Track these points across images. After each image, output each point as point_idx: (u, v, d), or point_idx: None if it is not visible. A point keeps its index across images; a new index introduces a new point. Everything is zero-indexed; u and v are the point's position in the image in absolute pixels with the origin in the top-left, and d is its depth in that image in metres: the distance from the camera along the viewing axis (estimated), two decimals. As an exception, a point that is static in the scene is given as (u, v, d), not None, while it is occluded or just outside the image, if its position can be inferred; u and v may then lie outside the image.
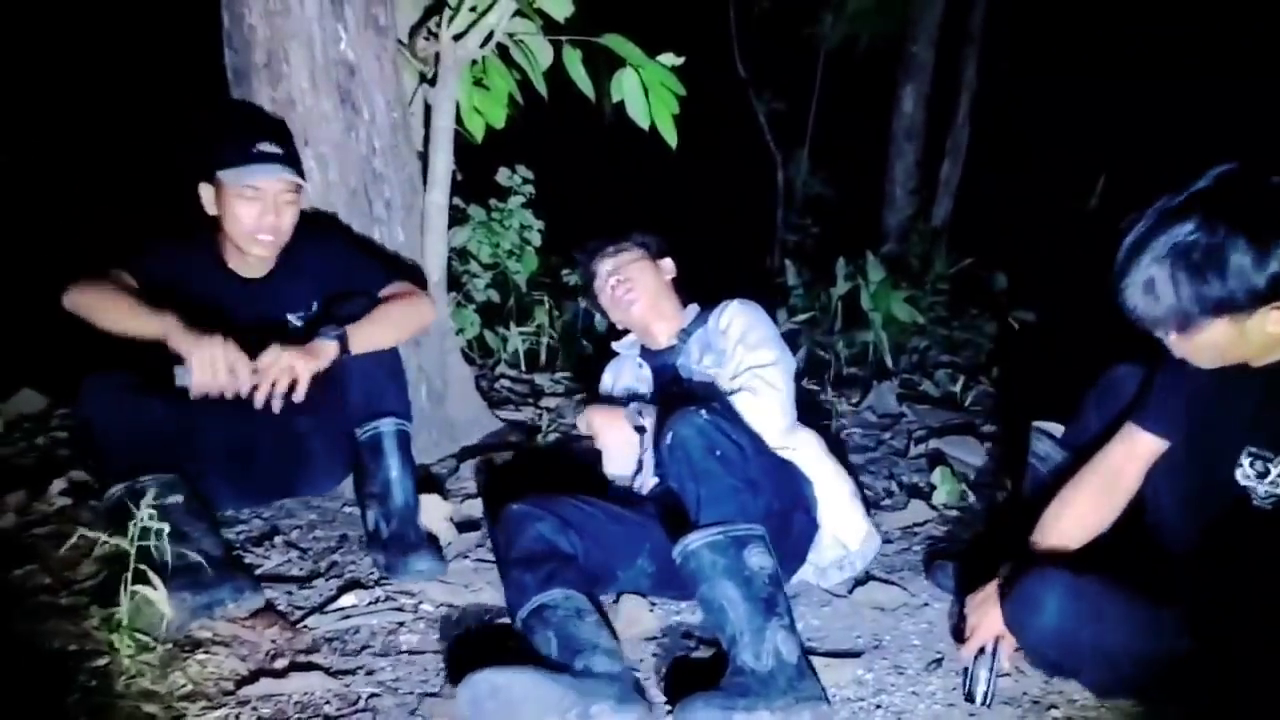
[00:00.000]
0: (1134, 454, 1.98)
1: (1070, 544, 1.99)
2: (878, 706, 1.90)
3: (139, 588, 1.93)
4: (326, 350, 2.29)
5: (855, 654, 2.06)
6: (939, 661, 2.05)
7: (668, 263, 2.70)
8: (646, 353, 2.68)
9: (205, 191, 2.40)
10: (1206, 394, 1.87)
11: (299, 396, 2.24)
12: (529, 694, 1.70)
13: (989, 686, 1.90)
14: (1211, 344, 1.69)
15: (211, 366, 2.16)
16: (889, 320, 4.59)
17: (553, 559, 2.04)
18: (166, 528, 2.03)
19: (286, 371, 2.21)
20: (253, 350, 2.29)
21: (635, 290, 2.58)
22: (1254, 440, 1.80)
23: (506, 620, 2.10)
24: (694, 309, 2.66)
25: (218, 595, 2.09)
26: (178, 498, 2.19)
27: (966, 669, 1.95)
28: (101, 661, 1.92)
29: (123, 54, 6.02)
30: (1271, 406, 1.77)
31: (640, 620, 2.18)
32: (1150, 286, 1.65)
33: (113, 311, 2.25)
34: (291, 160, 2.41)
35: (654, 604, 2.25)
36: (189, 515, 2.19)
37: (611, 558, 2.20)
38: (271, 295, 2.50)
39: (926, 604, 2.29)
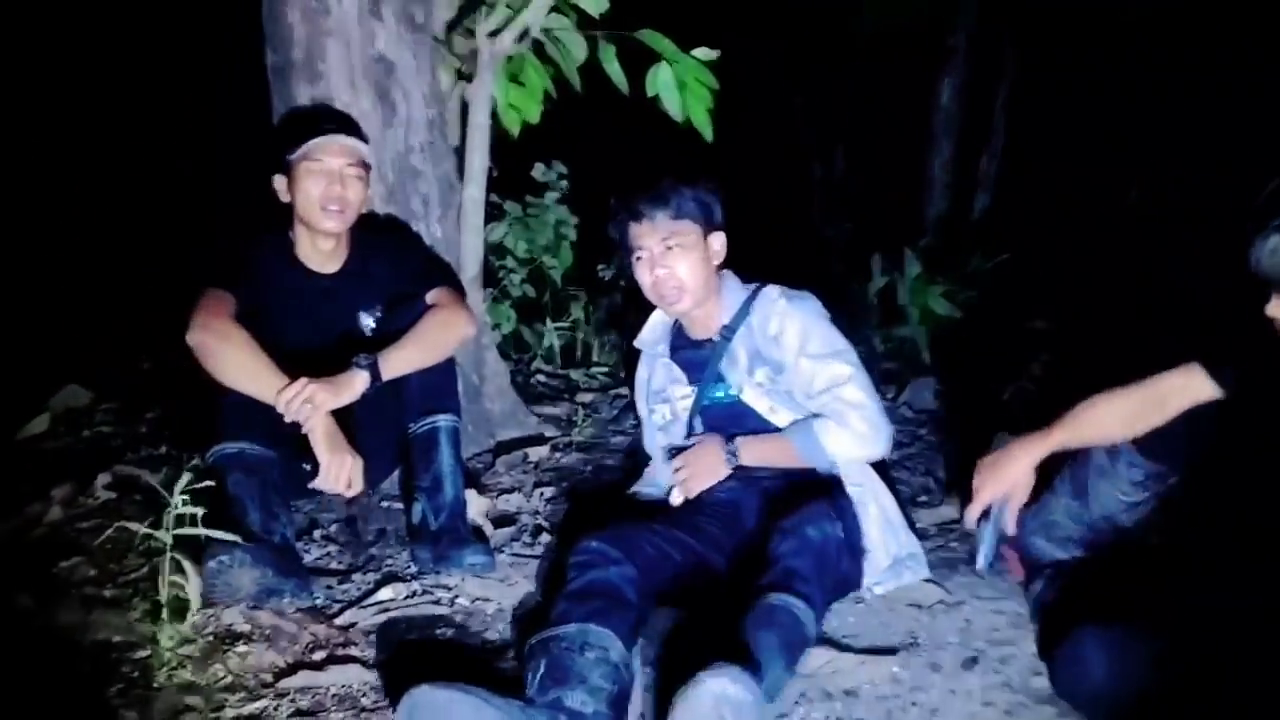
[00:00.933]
0: (1186, 389, 1.96)
1: (1091, 436, 2.04)
2: (913, 704, 1.88)
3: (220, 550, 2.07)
4: (355, 383, 2.30)
5: (891, 651, 2.05)
6: (975, 659, 2.03)
7: (719, 242, 2.39)
8: (680, 339, 2.53)
9: (279, 182, 2.46)
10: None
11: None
12: (467, 717, 1.61)
13: (990, 550, 1.96)
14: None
15: (336, 479, 2.27)
16: (926, 315, 4.56)
17: (606, 598, 1.91)
18: (257, 498, 2.21)
19: (305, 405, 2.23)
20: (325, 349, 2.42)
21: (683, 285, 2.34)
22: None
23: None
24: (735, 290, 2.43)
25: (282, 586, 2.16)
26: (276, 477, 2.29)
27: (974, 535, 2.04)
28: (144, 653, 1.96)
29: (168, 52, 6.11)
30: None
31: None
32: (1275, 251, 1.68)
33: (238, 371, 2.25)
34: (354, 134, 2.47)
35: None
36: (279, 499, 2.28)
37: (673, 593, 2.17)
38: (343, 293, 2.55)
39: (963, 601, 2.27)
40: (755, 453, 2.32)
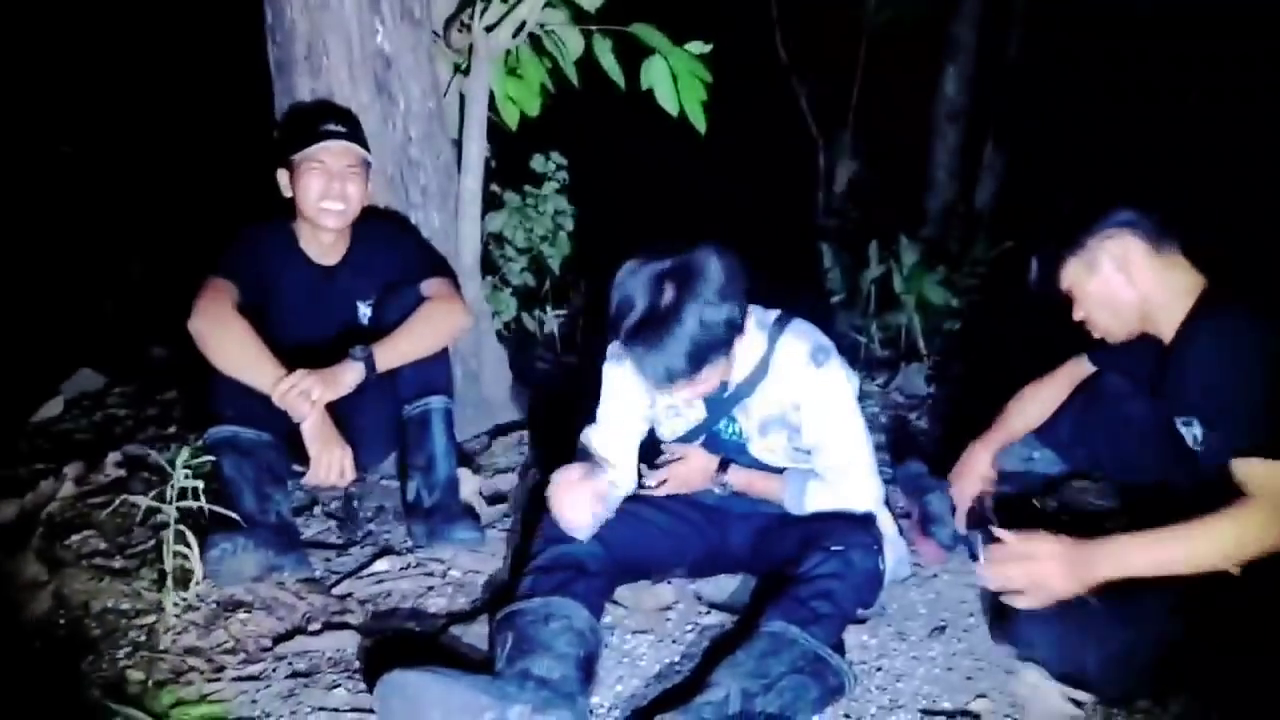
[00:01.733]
0: (1079, 370, 2.48)
1: (1024, 426, 2.52)
2: (878, 669, 1.98)
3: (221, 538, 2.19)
4: (350, 374, 2.38)
5: (860, 620, 2.14)
6: (942, 629, 2.12)
7: (744, 341, 2.06)
8: None
9: (282, 176, 2.55)
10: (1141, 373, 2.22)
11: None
12: (439, 697, 1.67)
13: (980, 544, 2.15)
14: (1093, 297, 2.08)
15: (328, 471, 2.34)
16: (922, 303, 4.62)
17: (569, 569, 1.98)
18: (251, 480, 2.29)
19: (303, 396, 2.31)
20: (324, 339, 2.51)
21: (707, 392, 2.09)
22: (1176, 412, 2.06)
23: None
24: (753, 335, 2.11)
25: (281, 561, 2.27)
26: (269, 458, 2.36)
27: (966, 537, 2.31)
28: (150, 619, 2.08)
29: (174, 47, 6.22)
30: (1171, 381, 2.03)
31: (657, 594, 2.27)
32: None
33: (236, 359, 2.32)
34: (355, 137, 2.56)
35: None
36: (273, 478, 2.36)
37: (647, 572, 2.25)
38: (343, 284, 2.64)
39: (935, 575, 2.36)
40: (744, 483, 2.26)
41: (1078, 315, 2.14)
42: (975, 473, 2.46)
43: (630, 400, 2.27)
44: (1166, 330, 2.03)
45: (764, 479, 2.26)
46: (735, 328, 1.96)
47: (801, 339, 2.15)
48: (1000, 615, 2.03)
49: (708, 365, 1.93)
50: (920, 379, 3.92)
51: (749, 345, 2.11)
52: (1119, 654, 1.80)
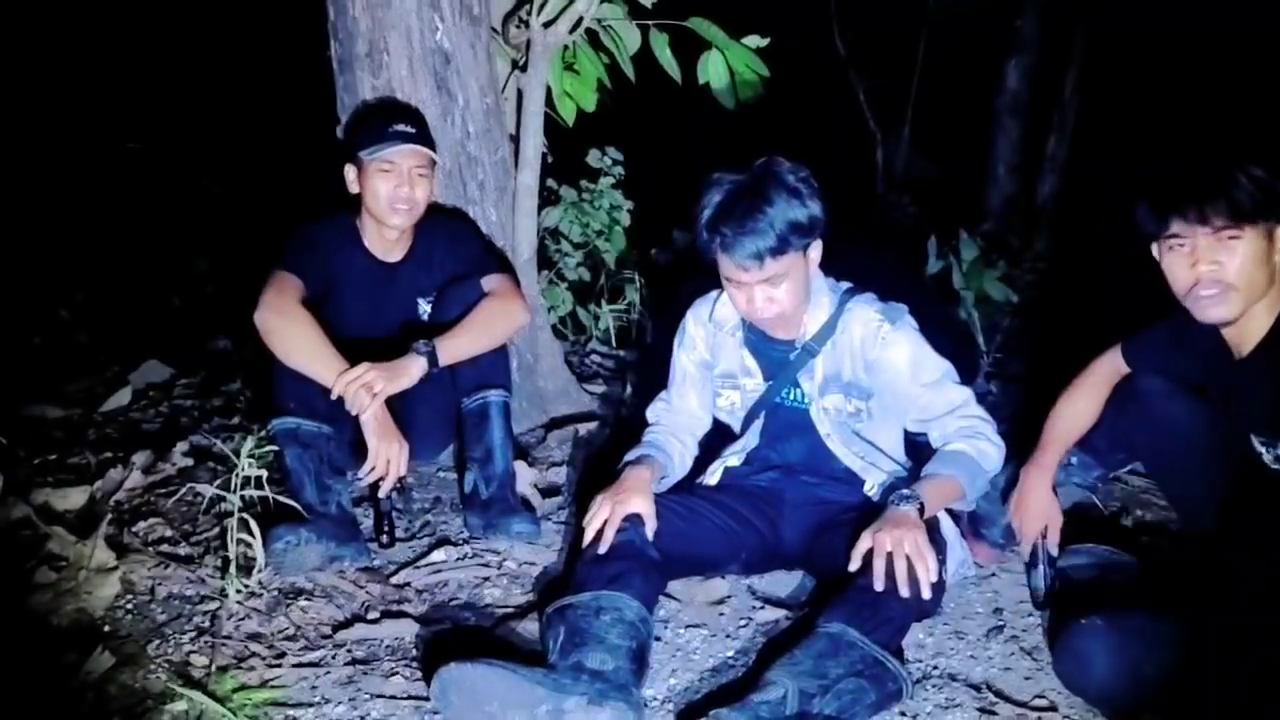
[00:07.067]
0: (1116, 368, 2.29)
1: (1072, 437, 2.31)
2: (935, 669, 1.96)
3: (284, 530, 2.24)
4: (413, 368, 2.40)
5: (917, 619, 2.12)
6: (1000, 628, 2.10)
7: (818, 250, 2.14)
8: (754, 330, 2.30)
9: (349, 172, 2.58)
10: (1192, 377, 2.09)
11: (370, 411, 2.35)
12: (496, 689, 1.69)
13: (1047, 581, 2.12)
14: (1241, 265, 1.86)
15: (384, 464, 2.35)
16: (981, 299, 4.56)
17: (620, 562, 1.98)
18: (313, 471, 2.33)
19: (365, 389, 2.32)
20: (385, 334, 2.54)
21: (782, 310, 2.13)
22: (1256, 429, 1.95)
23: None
24: (823, 292, 2.23)
25: (342, 551, 2.32)
26: (330, 450, 2.40)
27: (1028, 570, 2.22)
28: (213, 605, 2.12)
29: (237, 45, 6.34)
30: (1266, 398, 1.89)
31: (710, 588, 2.27)
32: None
33: (300, 352, 2.35)
34: (424, 139, 2.57)
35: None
36: (332, 470, 2.40)
37: (700, 568, 2.25)
38: (405, 280, 2.67)
39: (994, 574, 2.33)
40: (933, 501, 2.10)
41: (1206, 269, 1.87)
42: (1039, 506, 2.24)
43: (698, 374, 2.43)
44: (1251, 335, 1.90)
45: (943, 487, 2.12)
46: (816, 220, 2.07)
47: (871, 303, 2.25)
48: (1056, 627, 2.00)
49: (790, 250, 2.04)
50: (980, 377, 3.87)
51: (820, 304, 2.23)
52: (1181, 667, 1.75)
